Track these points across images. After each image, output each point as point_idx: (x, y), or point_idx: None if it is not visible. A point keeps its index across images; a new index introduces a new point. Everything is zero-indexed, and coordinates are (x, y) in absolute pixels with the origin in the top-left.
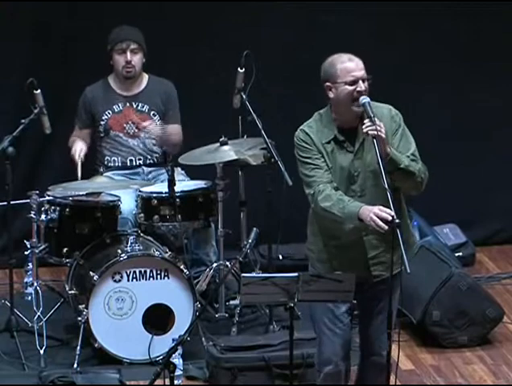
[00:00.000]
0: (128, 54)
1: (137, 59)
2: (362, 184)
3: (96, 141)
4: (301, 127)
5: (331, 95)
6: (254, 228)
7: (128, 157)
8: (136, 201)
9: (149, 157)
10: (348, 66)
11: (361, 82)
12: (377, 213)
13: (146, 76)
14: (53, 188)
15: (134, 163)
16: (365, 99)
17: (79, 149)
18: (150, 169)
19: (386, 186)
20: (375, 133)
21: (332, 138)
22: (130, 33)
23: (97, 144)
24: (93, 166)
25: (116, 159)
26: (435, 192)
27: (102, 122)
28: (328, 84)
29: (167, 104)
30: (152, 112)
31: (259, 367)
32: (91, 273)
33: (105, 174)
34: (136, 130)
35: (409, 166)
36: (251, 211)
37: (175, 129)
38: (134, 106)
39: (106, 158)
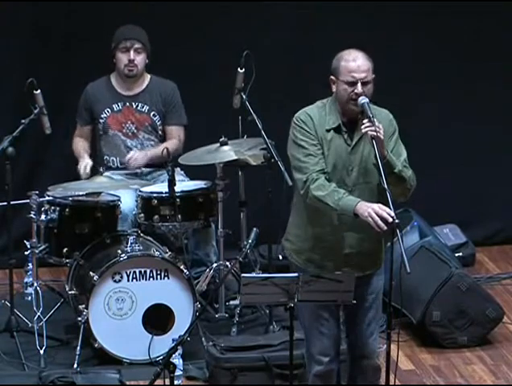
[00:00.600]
0: (131, 53)
1: (140, 59)
2: (354, 179)
3: (96, 140)
4: (303, 109)
5: (333, 89)
6: (254, 228)
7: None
8: (136, 201)
9: None
10: (350, 66)
11: (359, 84)
12: (377, 211)
13: (147, 77)
14: (53, 188)
15: None
16: (364, 99)
17: (85, 164)
18: (149, 169)
19: (386, 186)
20: (374, 134)
21: (335, 127)
22: (135, 32)
23: (97, 143)
24: (93, 165)
25: (114, 159)
26: (436, 192)
27: (101, 120)
28: (332, 77)
29: (168, 105)
30: (152, 113)
31: (259, 367)
32: (91, 273)
33: (104, 173)
34: (135, 131)
35: (402, 172)
36: (251, 211)
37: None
38: (134, 106)
39: (105, 157)
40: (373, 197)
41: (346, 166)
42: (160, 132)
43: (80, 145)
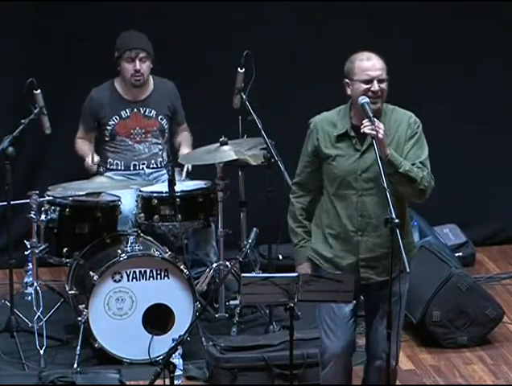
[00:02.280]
0: (137, 63)
1: (145, 67)
2: (364, 184)
3: (99, 144)
4: (319, 115)
5: (348, 92)
6: (254, 228)
7: (132, 161)
8: (136, 201)
9: (152, 161)
10: (365, 64)
11: (375, 82)
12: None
13: (151, 80)
14: (53, 188)
15: (138, 167)
16: (364, 99)
17: (92, 156)
18: (151, 170)
19: (385, 185)
20: (374, 133)
21: (343, 132)
22: (139, 41)
23: (101, 146)
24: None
25: (119, 163)
26: (435, 192)
27: (109, 127)
28: (346, 80)
29: (175, 105)
30: (160, 117)
31: (259, 367)
32: (91, 273)
33: (105, 174)
34: (143, 136)
35: (409, 172)
36: (251, 211)
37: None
38: (142, 112)
39: (109, 160)
40: (384, 202)
41: (354, 170)
42: (167, 134)
43: (86, 146)
